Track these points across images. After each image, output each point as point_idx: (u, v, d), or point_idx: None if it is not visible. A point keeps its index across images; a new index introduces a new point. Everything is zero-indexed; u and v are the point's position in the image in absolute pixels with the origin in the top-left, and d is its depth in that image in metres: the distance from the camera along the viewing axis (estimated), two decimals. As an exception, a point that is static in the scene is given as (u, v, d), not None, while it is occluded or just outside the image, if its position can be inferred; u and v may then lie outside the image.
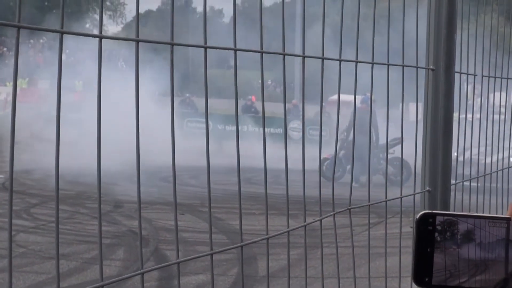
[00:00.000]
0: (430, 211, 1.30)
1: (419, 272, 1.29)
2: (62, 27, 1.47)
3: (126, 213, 14.81)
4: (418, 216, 1.29)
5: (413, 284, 1.32)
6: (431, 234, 1.29)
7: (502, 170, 4.16)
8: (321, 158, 2.65)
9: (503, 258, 1.27)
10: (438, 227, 1.29)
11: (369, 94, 2.96)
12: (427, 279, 1.29)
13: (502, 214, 1.30)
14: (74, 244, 11.77)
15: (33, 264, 10.54)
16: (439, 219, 1.29)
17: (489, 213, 1.34)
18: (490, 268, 1.27)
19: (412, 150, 3.18)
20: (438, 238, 1.28)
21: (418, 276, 1.29)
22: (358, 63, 2.71)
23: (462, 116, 3.62)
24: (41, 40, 46.53)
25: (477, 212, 1.45)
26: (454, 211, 3.29)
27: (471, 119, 3.73)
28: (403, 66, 3.01)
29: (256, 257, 10.66)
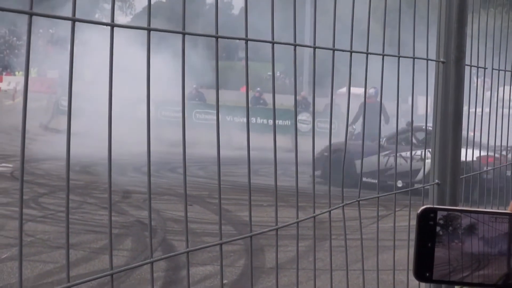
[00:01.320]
0: (431, 206, 1.30)
1: (420, 267, 1.29)
2: (74, 15, 1.48)
3: (134, 203, 14.84)
4: (419, 210, 1.29)
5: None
6: (432, 229, 1.29)
7: (512, 163, 4.16)
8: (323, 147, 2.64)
9: (505, 253, 1.27)
10: (440, 222, 1.28)
11: (378, 88, 2.96)
12: (428, 274, 1.29)
13: (504, 209, 1.30)
14: (82, 234, 11.79)
15: (41, 253, 10.57)
16: (440, 214, 1.29)
17: (497, 208, 1.34)
18: (492, 263, 1.27)
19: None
20: (440, 233, 1.28)
21: (419, 271, 1.29)
22: (368, 55, 2.71)
23: (472, 109, 3.61)
24: (50, 30, 46.57)
25: (485, 207, 1.44)
26: (463, 204, 3.29)
27: (480, 113, 3.72)
28: (414, 58, 3.01)
29: (263, 249, 10.67)
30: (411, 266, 1.31)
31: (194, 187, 16.82)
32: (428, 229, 1.29)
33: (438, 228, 1.28)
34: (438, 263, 1.28)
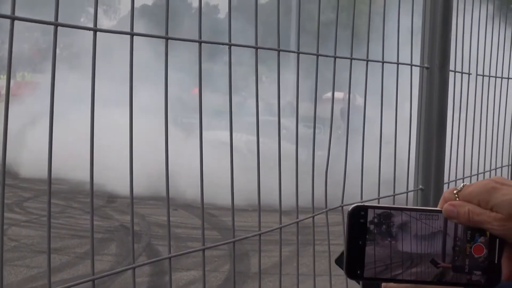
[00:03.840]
0: (362, 204, 1.30)
1: (351, 265, 1.30)
2: (56, 20, 1.47)
3: (119, 208, 14.81)
4: (350, 208, 1.30)
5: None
6: (363, 227, 1.29)
7: (495, 169, 4.17)
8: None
9: (436, 249, 1.28)
10: (370, 220, 1.29)
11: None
12: (359, 272, 1.30)
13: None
14: (66, 238, 11.77)
15: (25, 258, 10.53)
16: (371, 212, 1.29)
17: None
18: (424, 260, 1.28)
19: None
20: (370, 231, 1.29)
21: (350, 269, 1.30)
22: (352, 60, 2.71)
23: (456, 115, 3.62)
24: (35, 34, 46.39)
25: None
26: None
27: (465, 118, 3.73)
28: (398, 64, 3.01)
29: (248, 254, 10.67)
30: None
31: (180, 191, 16.78)
32: (359, 227, 1.29)
33: (368, 226, 1.29)
34: (369, 261, 1.29)
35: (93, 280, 1.62)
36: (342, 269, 1.80)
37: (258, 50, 2.19)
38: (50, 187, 1.52)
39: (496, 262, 1.28)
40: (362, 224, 1.29)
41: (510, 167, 4.17)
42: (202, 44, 1.93)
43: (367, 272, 1.29)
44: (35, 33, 46.30)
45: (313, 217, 2.56)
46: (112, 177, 16.71)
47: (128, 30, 1.72)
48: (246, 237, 2.31)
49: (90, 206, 1.66)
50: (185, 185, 16.20)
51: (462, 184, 1.30)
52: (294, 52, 2.37)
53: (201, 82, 1.88)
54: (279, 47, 2.25)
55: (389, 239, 1.28)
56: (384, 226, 1.28)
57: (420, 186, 3.20)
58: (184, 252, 2.08)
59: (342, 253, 1.90)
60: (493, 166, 4.13)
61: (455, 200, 1.29)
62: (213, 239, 11.50)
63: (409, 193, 3.18)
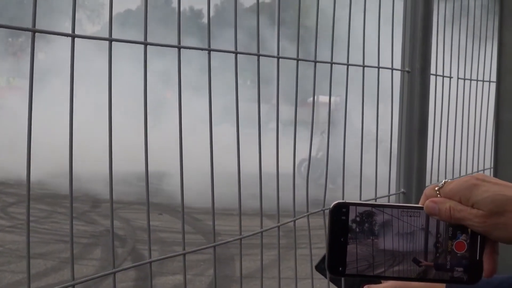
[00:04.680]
0: (343, 201, 1.31)
1: (332, 262, 1.30)
2: (34, 26, 1.47)
3: (104, 212, 14.77)
4: (331, 206, 1.30)
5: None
6: (344, 224, 1.30)
7: (478, 172, 4.18)
8: (299, 159, 2.65)
9: (419, 247, 1.29)
10: (352, 217, 1.30)
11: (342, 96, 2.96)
12: (341, 269, 1.30)
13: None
14: (51, 243, 11.72)
15: (10, 263, 10.50)
16: (352, 209, 1.30)
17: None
18: (406, 258, 1.29)
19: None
20: (352, 228, 1.30)
21: (332, 265, 1.31)
22: (333, 65, 2.72)
23: (438, 118, 3.63)
24: (20, 39, 46.28)
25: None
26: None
27: (447, 121, 3.75)
28: (378, 68, 3.02)
29: (234, 258, 10.67)
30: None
31: (165, 196, 16.75)
32: (341, 224, 1.30)
33: (350, 223, 1.29)
34: (350, 257, 1.29)
35: (73, 286, 1.62)
36: (324, 275, 1.81)
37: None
38: (29, 194, 1.52)
39: (477, 258, 1.29)
40: (343, 221, 1.29)
41: (492, 169, 4.19)
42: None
43: (349, 269, 1.30)
44: (20, 39, 46.18)
45: (294, 221, 2.56)
46: (97, 182, 16.71)
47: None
48: (227, 241, 2.32)
49: (70, 211, 1.67)
50: (172, 189, 16.22)
51: (443, 181, 1.30)
52: (273, 56, 2.38)
53: (180, 87, 1.89)
54: (258, 52, 2.26)
55: (371, 236, 1.29)
56: (365, 223, 1.29)
57: (402, 190, 3.22)
58: (164, 257, 2.09)
59: (322, 259, 1.91)
60: (475, 169, 4.15)
61: (437, 196, 1.29)
62: (198, 243, 11.49)
63: (390, 196, 3.19)
